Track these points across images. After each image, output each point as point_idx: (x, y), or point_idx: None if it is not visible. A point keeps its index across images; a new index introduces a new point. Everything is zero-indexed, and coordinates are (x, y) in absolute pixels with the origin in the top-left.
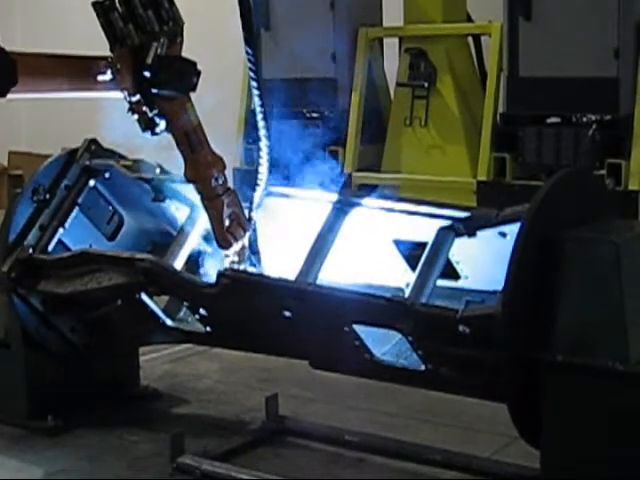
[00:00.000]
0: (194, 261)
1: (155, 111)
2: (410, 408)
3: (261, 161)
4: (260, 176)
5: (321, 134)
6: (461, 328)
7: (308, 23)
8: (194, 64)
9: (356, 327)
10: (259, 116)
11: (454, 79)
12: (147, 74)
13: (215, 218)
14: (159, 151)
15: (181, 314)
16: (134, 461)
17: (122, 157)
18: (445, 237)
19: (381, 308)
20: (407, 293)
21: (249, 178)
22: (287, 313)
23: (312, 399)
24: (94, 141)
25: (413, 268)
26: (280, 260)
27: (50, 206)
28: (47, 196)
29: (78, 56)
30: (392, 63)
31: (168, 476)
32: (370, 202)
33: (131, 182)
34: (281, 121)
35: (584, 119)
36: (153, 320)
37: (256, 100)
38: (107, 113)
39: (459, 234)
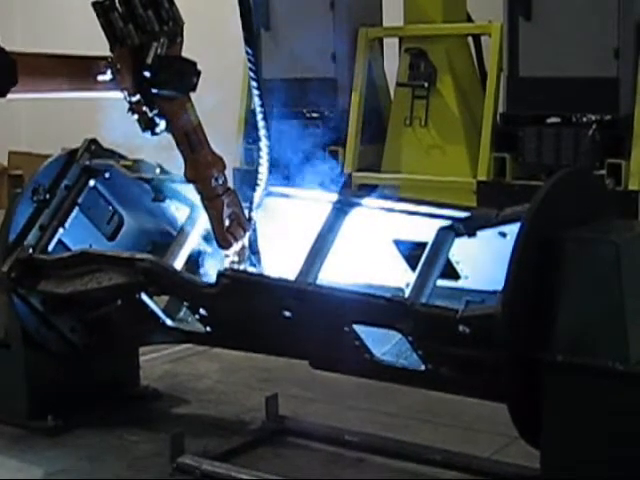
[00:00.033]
0: (194, 261)
1: (155, 111)
2: (410, 408)
3: (261, 161)
4: (260, 176)
5: (321, 134)
6: (461, 328)
7: (308, 23)
8: (194, 64)
9: (356, 327)
10: (259, 116)
11: (454, 79)
12: (147, 74)
13: (215, 218)
14: (159, 151)
15: (181, 314)
16: (134, 461)
17: (122, 157)
18: (445, 237)
19: (381, 308)
20: (407, 293)
21: (249, 178)
22: (287, 313)
23: (312, 399)
24: (94, 141)
25: (413, 268)
26: (280, 260)
27: (50, 206)
28: (47, 196)
29: (78, 56)
30: (392, 63)
31: (168, 476)
32: (370, 202)
33: (131, 182)
34: (281, 121)
35: (584, 119)
36: (153, 320)
37: (256, 100)
38: (107, 113)
39: (459, 234)
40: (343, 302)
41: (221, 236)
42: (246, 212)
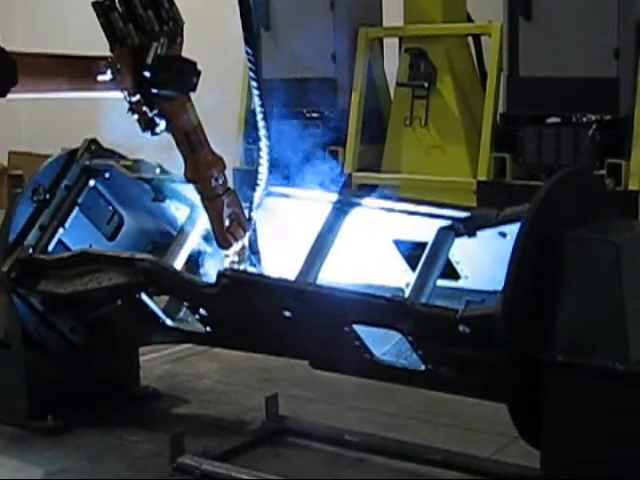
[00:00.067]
0: (194, 261)
1: (155, 111)
2: (410, 408)
3: (261, 161)
4: (260, 176)
5: (321, 134)
6: (461, 328)
7: (308, 23)
8: (194, 64)
9: (356, 327)
10: (259, 116)
11: (454, 79)
12: (147, 74)
13: (215, 218)
14: (159, 151)
15: (181, 314)
16: (134, 461)
17: (122, 157)
18: (445, 237)
19: (381, 308)
20: (407, 293)
21: (249, 178)
22: (287, 313)
23: (312, 399)
24: (94, 141)
25: (413, 268)
26: (280, 260)
27: (50, 206)
28: (47, 196)
29: (78, 56)
30: (392, 63)
31: (168, 476)
32: (370, 202)
33: (131, 182)
34: (281, 121)
35: (584, 119)
36: (153, 320)
37: (256, 100)
38: (107, 113)
39: (459, 234)
40: (343, 302)
41: (221, 236)
42: (246, 212)
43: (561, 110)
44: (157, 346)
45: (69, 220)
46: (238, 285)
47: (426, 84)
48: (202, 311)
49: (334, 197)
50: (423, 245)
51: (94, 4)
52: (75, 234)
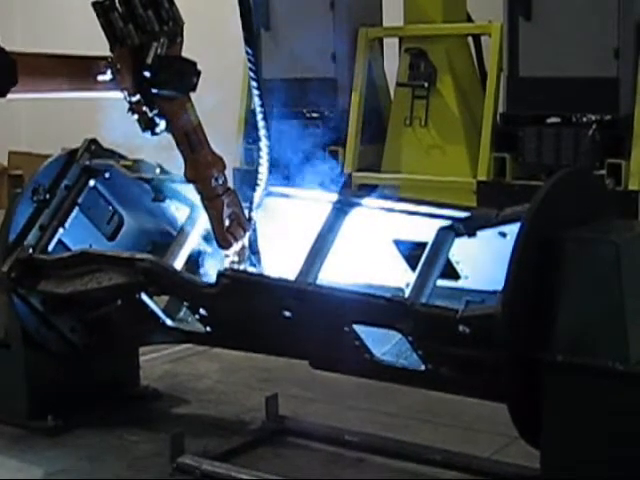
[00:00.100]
0: (194, 261)
1: (155, 111)
2: (410, 408)
3: (261, 161)
4: (260, 176)
5: (321, 134)
6: (461, 328)
7: (308, 23)
8: (194, 64)
9: (356, 327)
10: (259, 116)
11: (454, 79)
12: (147, 74)
13: (215, 218)
14: (159, 151)
15: (181, 314)
16: (134, 461)
17: (122, 157)
18: (445, 237)
19: (381, 308)
20: (407, 293)
21: (249, 178)
22: (287, 313)
23: (312, 399)
24: (94, 141)
25: (413, 268)
26: (280, 260)
27: (50, 206)
28: (47, 196)
29: (78, 56)
30: (392, 63)
31: (168, 476)
32: (370, 202)
33: (131, 182)
34: (281, 121)
35: (584, 119)
36: (153, 320)
37: (256, 100)
38: (107, 113)
39: (459, 234)
40: (343, 302)
41: (221, 236)
42: (246, 212)
43: (561, 110)
44: (157, 346)
45: (69, 220)
46: (238, 285)
47: (426, 84)
48: (202, 311)
49: (334, 197)
50: (423, 245)
51: (94, 4)
52: (75, 234)
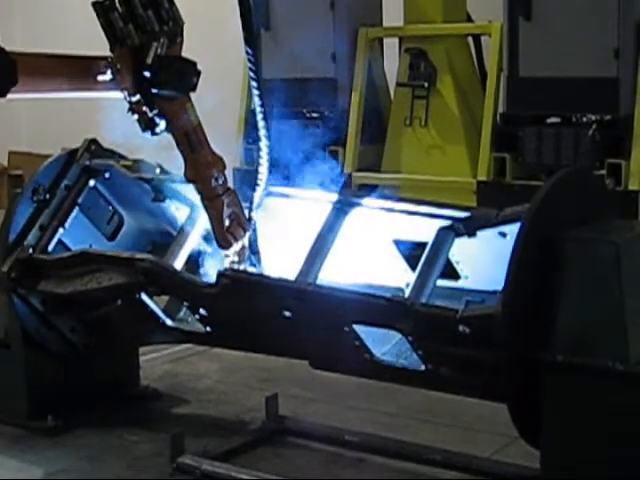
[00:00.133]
0: (194, 261)
1: (155, 111)
2: (410, 408)
3: (261, 161)
4: (260, 176)
5: (321, 134)
6: (461, 328)
7: (308, 23)
8: (194, 64)
9: (356, 327)
10: (259, 116)
11: (454, 79)
12: (147, 74)
13: (215, 218)
14: (159, 151)
15: (181, 314)
16: (134, 461)
17: (122, 157)
18: (445, 237)
19: (381, 308)
20: (407, 293)
21: (249, 178)
22: (287, 313)
23: (312, 399)
24: (94, 141)
25: (413, 268)
26: (280, 260)
27: (50, 206)
28: (47, 196)
29: (78, 56)
30: (392, 63)
31: (168, 476)
32: (370, 202)
33: (131, 182)
34: (281, 121)
35: (584, 119)
36: (153, 320)
37: (256, 100)
38: (107, 113)
39: (459, 234)
40: (343, 302)
41: (221, 236)
42: (246, 212)
43: (561, 110)
44: (157, 346)
45: (69, 220)
46: (238, 285)
47: (426, 84)
48: (202, 311)
49: (334, 197)
50: (423, 245)
51: (94, 4)
52: (75, 234)
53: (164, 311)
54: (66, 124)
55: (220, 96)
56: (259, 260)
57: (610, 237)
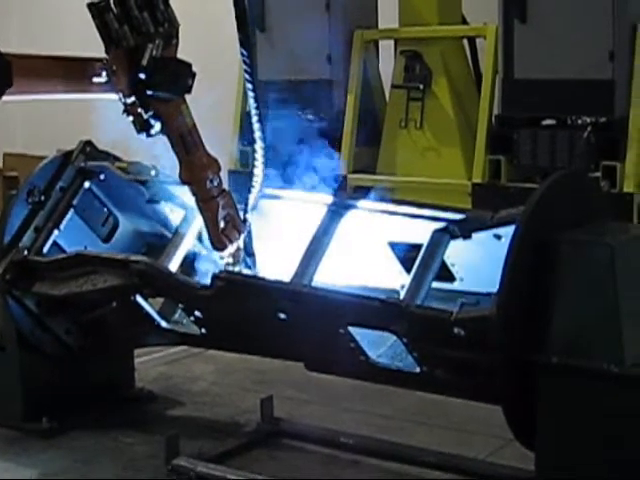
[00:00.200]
0: (189, 263)
1: (150, 113)
2: (405, 410)
3: (256, 163)
4: (255, 178)
5: (316, 135)
6: (456, 330)
7: (304, 24)
8: (189, 66)
9: (351, 329)
10: (254, 118)
11: (449, 81)
12: (142, 76)
13: (210, 220)
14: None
15: (176, 316)
16: (129, 463)
17: (117, 159)
18: (440, 239)
19: (376, 310)
20: (402, 295)
21: (244, 180)
22: (282, 315)
23: (307, 401)
24: (89, 143)
25: (408, 270)
26: (275, 262)
27: (45, 208)
28: (42, 198)
29: (73, 58)
30: (387, 65)
31: (163, 477)
32: (365, 204)
33: (126, 184)
34: (276, 122)
35: (579, 121)
36: (148, 322)
37: (251, 102)
38: (102, 115)
39: (454, 236)
40: (338, 304)
41: (216, 238)
42: (241, 214)
43: (556, 112)
44: (152, 348)
45: (64, 222)
46: (233, 287)
47: (421, 86)
48: (197, 313)
49: (329, 199)
50: (418, 247)
51: (89, 5)
52: (70, 236)
53: (159, 313)
54: (61, 126)
55: (215, 98)
56: (254, 262)
57: (605, 239)
